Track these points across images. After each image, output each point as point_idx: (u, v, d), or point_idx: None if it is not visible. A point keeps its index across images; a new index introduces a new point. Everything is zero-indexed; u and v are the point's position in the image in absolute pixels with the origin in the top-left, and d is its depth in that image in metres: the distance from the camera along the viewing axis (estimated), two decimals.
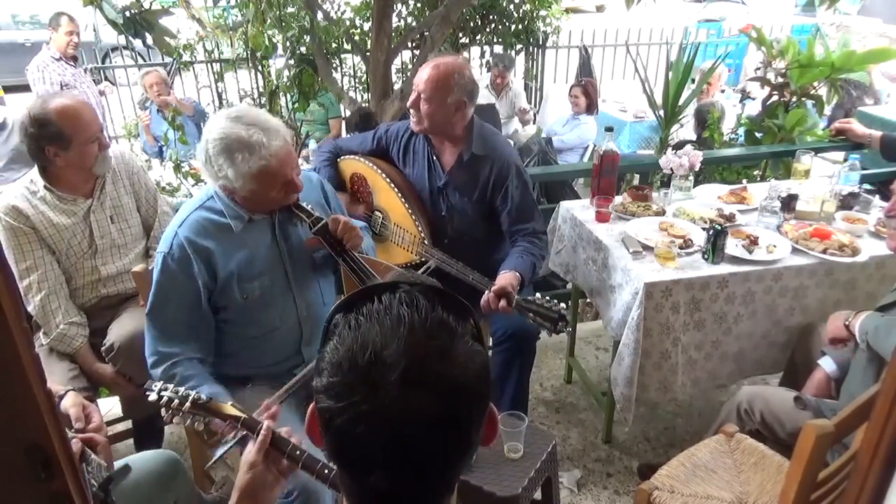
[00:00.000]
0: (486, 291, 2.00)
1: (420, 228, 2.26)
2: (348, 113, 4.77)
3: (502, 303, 1.98)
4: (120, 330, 2.12)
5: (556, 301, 1.92)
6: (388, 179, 2.31)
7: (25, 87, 4.94)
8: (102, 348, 2.12)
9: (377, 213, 2.39)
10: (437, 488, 0.69)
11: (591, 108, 5.19)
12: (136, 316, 2.12)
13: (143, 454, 1.70)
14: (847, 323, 1.91)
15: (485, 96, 5.22)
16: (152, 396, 1.42)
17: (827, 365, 2.01)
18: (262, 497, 1.15)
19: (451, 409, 0.63)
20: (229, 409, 1.46)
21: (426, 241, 2.25)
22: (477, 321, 0.71)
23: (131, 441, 2.41)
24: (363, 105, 3.90)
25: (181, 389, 1.44)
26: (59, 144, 2.00)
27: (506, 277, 2.07)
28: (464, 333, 0.67)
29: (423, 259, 2.24)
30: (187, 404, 1.42)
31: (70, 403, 1.59)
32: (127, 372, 2.12)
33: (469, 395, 0.65)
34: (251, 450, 1.17)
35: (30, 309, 2.07)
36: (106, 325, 2.20)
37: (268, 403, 1.58)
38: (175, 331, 1.73)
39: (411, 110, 2.21)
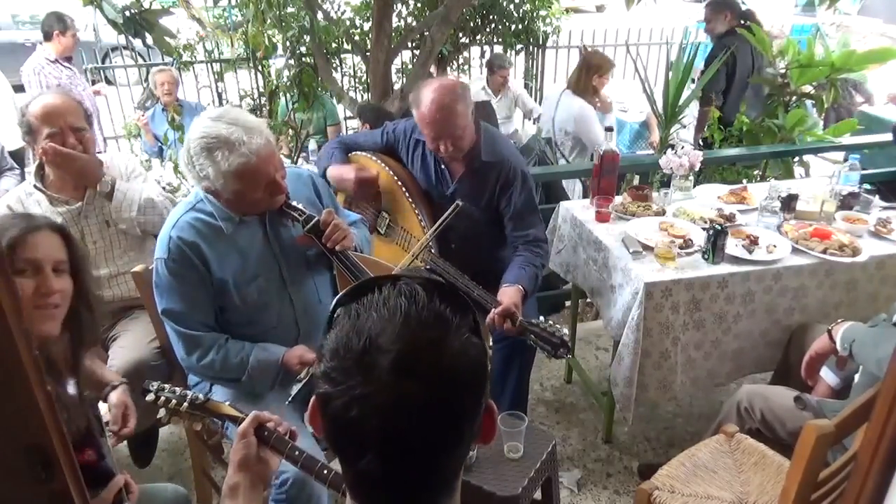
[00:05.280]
0: (492, 310, 1.97)
1: (427, 235, 2.24)
2: (348, 112, 4.76)
3: (507, 324, 1.95)
4: (120, 359, 2.04)
5: (559, 326, 1.90)
6: (397, 179, 2.29)
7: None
8: None
9: (384, 213, 2.37)
10: (431, 480, 0.69)
11: None
12: (136, 339, 2.09)
13: (153, 487, 1.70)
14: (830, 328, 1.86)
15: (479, 95, 5.20)
16: (150, 397, 1.43)
17: (829, 378, 2.00)
18: (258, 470, 1.16)
19: (441, 399, 0.65)
20: (227, 408, 1.46)
21: (433, 250, 2.21)
22: (476, 316, 0.71)
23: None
24: (382, 106, 3.87)
25: (178, 389, 1.44)
26: (32, 136, 2.01)
27: (509, 294, 2.04)
28: (461, 326, 0.68)
29: (427, 266, 2.22)
30: (185, 404, 1.42)
31: (116, 401, 1.61)
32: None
33: (461, 387, 0.66)
34: (245, 422, 1.20)
35: None
36: (105, 336, 2.18)
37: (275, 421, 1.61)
38: (197, 321, 1.75)
39: (441, 147, 2.12)
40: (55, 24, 4.58)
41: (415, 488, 0.68)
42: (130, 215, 2.15)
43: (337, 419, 0.65)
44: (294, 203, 1.79)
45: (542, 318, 1.93)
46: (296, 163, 4.50)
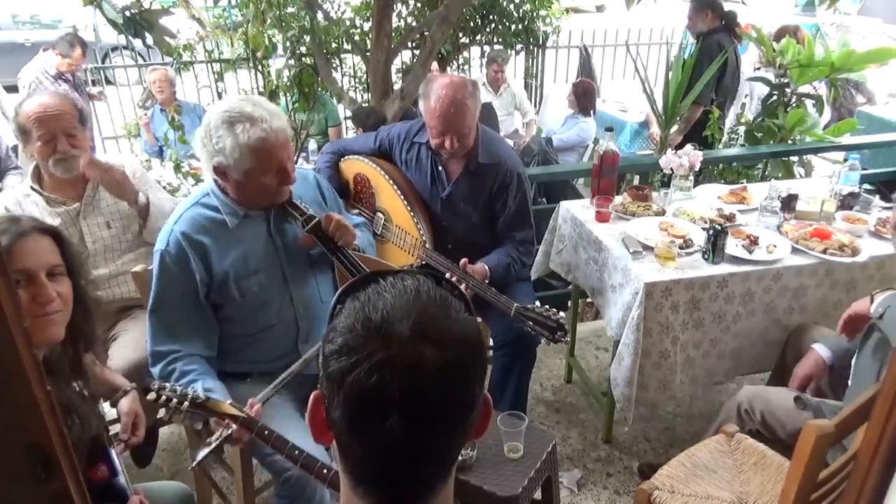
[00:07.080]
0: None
1: (422, 231, 2.26)
2: (349, 113, 4.76)
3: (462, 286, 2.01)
4: (120, 359, 2.03)
5: (555, 310, 1.91)
6: (390, 181, 2.31)
7: None
8: None
9: (379, 213, 2.39)
10: (444, 451, 0.72)
11: (587, 108, 5.11)
12: (136, 339, 2.07)
13: (158, 484, 1.69)
14: (874, 293, 1.83)
15: (482, 94, 5.19)
16: (151, 396, 1.43)
17: (822, 350, 2.00)
18: None
19: (458, 359, 0.69)
20: (227, 407, 1.46)
21: (427, 245, 2.25)
22: (469, 304, 0.76)
23: None
24: (374, 107, 3.87)
25: (179, 388, 1.44)
26: (24, 137, 2.00)
27: (474, 268, 2.13)
28: (459, 306, 0.74)
29: (423, 262, 2.23)
30: (186, 403, 1.43)
31: (126, 409, 1.58)
32: None
33: (472, 349, 0.71)
34: None
35: None
36: (105, 336, 2.17)
37: (252, 402, 1.59)
38: (177, 329, 1.73)
39: (446, 143, 2.14)
40: (62, 46, 4.59)
41: (431, 457, 0.70)
42: (160, 225, 2.15)
43: (356, 389, 0.67)
44: (297, 202, 1.80)
45: (536, 303, 1.95)
46: (295, 163, 4.50)
